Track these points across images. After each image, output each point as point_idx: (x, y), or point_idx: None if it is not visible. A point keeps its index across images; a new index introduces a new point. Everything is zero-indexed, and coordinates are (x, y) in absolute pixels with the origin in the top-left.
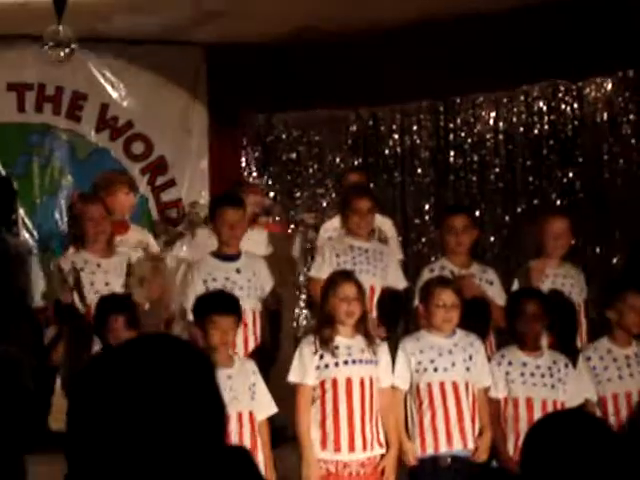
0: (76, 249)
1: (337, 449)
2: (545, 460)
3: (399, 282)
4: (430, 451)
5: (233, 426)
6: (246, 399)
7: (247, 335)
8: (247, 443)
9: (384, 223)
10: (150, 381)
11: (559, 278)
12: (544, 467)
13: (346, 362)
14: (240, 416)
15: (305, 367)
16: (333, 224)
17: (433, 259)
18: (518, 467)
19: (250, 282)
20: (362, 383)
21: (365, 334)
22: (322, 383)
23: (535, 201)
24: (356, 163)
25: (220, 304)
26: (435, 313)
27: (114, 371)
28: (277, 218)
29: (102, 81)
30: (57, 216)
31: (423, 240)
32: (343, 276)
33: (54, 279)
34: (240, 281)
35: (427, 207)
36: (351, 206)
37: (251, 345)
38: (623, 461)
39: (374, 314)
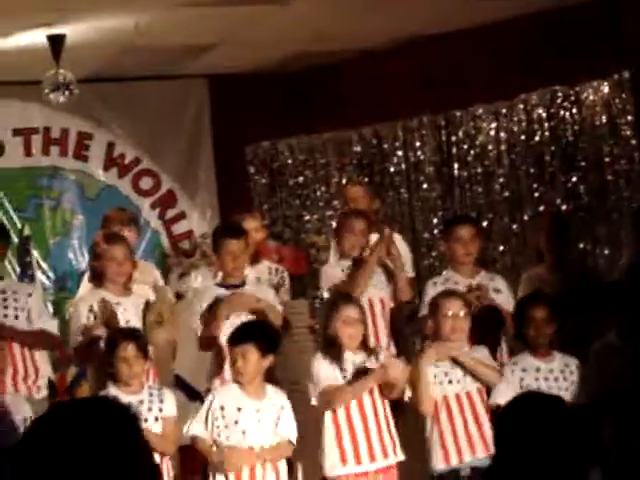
0: (94, 286)
1: (358, 462)
2: (514, 438)
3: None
4: (455, 462)
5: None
6: (269, 433)
7: None
8: (271, 476)
9: (395, 239)
10: (76, 444)
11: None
12: (514, 445)
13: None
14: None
15: (330, 371)
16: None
17: (445, 272)
18: None
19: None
20: (371, 392)
21: (368, 350)
22: None
23: (541, 208)
24: None
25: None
26: (444, 324)
27: (49, 434)
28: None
29: (107, 120)
30: (71, 255)
31: (433, 254)
32: (344, 299)
33: (74, 318)
34: None
35: (435, 221)
36: (348, 227)
37: None
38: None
39: (384, 328)
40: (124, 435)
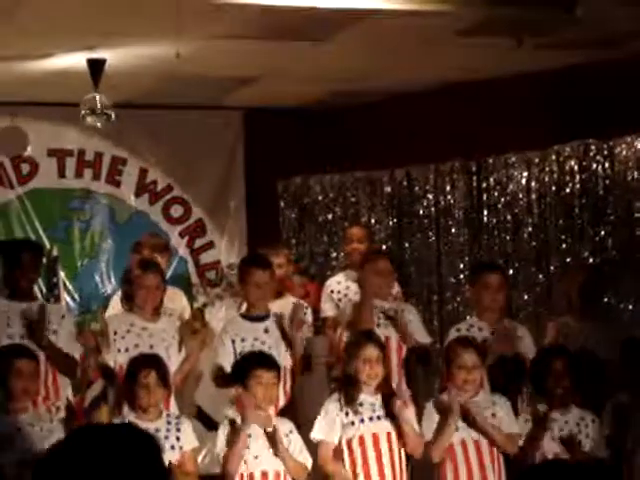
0: (125, 310)
1: None
2: None
3: (421, 335)
4: None
5: None
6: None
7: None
8: None
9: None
10: (101, 466)
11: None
12: None
13: (371, 418)
14: (277, 475)
15: (330, 425)
16: (337, 279)
17: (468, 317)
18: None
19: (279, 341)
20: (389, 437)
21: (388, 393)
22: (349, 442)
23: (568, 259)
24: (391, 223)
25: (263, 360)
26: (456, 375)
27: (70, 458)
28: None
29: (141, 146)
30: (98, 279)
31: (458, 299)
32: (365, 337)
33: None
34: (269, 341)
35: (461, 266)
36: (373, 268)
37: (281, 402)
38: None
39: (396, 366)
40: (146, 461)
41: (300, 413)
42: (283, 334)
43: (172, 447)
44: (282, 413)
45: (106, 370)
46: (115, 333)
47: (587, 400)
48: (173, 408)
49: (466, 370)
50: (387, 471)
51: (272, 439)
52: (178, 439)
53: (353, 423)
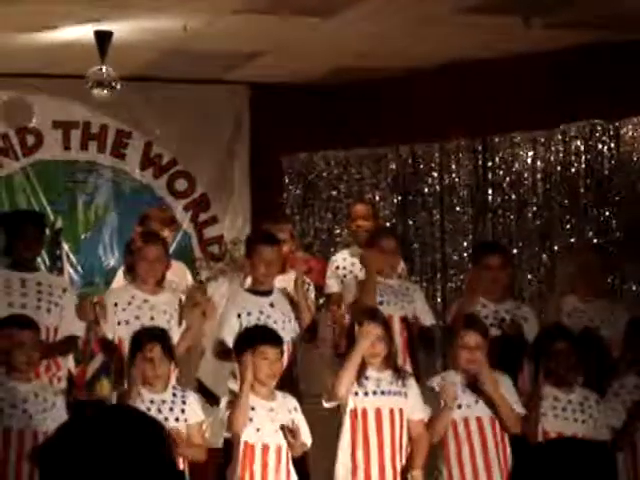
0: (128, 282)
1: (367, 478)
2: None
3: (427, 318)
4: None
5: (272, 459)
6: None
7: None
8: (283, 477)
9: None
10: (109, 452)
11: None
12: None
13: (375, 392)
14: (278, 449)
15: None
16: (342, 255)
17: None
18: None
19: (284, 315)
20: (392, 414)
21: (394, 369)
22: (353, 411)
23: (572, 239)
24: (395, 201)
25: (267, 335)
26: (459, 354)
27: (78, 444)
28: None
29: (146, 119)
30: (101, 252)
31: (461, 277)
32: (369, 316)
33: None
34: (274, 315)
35: (465, 244)
36: (378, 246)
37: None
38: None
39: (400, 345)
40: (151, 445)
41: (302, 388)
42: (291, 303)
43: (177, 419)
44: (282, 384)
45: (105, 343)
46: (115, 305)
47: (591, 380)
48: (173, 381)
49: (469, 350)
50: (386, 445)
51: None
52: (183, 411)
53: (357, 394)
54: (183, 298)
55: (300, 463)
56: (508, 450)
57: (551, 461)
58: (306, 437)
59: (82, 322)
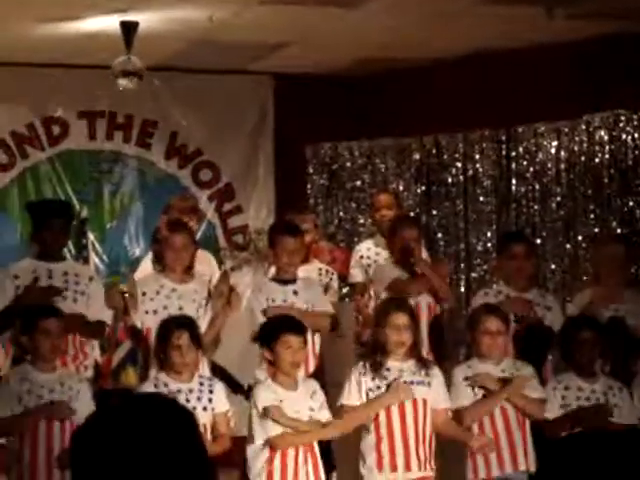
0: (156, 271)
1: (393, 469)
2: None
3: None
4: (482, 475)
5: (301, 452)
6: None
7: (307, 356)
8: (310, 468)
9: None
10: (141, 441)
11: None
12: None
13: None
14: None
15: (355, 390)
16: (366, 245)
17: (495, 286)
18: None
19: (308, 304)
20: (415, 404)
21: (418, 359)
22: None
23: (596, 229)
24: (419, 191)
25: (291, 324)
26: (480, 340)
27: (109, 433)
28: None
29: (172, 109)
30: (126, 241)
31: (485, 267)
32: (395, 305)
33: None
34: (298, 303)
35: (489, 234)
36: (400, 236)
37: (311, 366)
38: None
39: (425, 333)
40: (183, 434)
41: (327, 377)
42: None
43: (204, 408)
44: (311, 377)
45: (134, 331)
46: (144, 294)
47: (617, 370)
48: (204, 370)
49: (490, 335)
50: (410, 436)
51: None
52: (210, 401)
53: (379, 387)
54: (211, 287)
55: (325, 453)
56: (529, 438)
57: (580, 455)
58: (325, 416)
59: (109, 310)
